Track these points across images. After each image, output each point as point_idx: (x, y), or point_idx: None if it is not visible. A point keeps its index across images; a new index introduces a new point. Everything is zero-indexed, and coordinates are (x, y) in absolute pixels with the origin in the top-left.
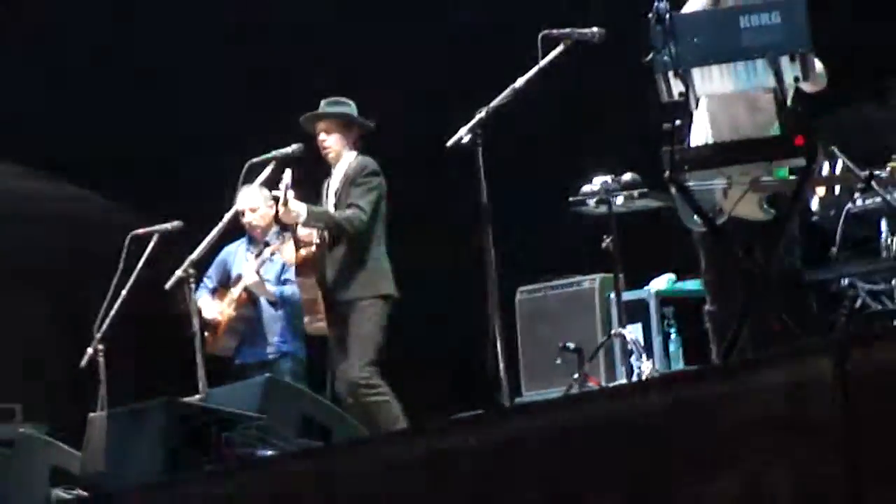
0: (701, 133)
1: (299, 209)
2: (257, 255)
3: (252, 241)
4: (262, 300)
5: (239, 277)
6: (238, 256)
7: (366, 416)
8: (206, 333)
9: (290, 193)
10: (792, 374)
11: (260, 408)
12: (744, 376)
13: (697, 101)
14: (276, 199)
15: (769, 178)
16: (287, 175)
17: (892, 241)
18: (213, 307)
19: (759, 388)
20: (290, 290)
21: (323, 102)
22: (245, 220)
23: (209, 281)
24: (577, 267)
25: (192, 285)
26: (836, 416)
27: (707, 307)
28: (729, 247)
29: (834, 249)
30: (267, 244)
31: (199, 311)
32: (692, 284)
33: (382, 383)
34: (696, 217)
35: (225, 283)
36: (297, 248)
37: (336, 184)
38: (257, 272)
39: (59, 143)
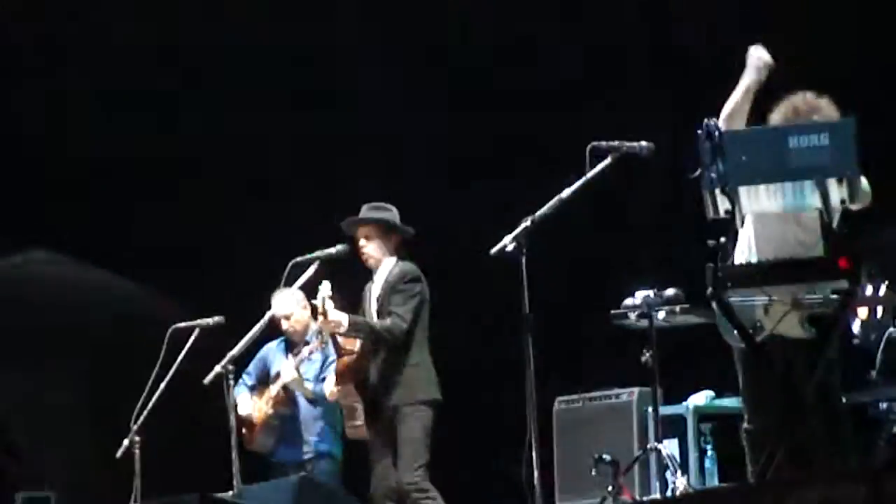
0: (745, 251)
1: (340, 319)
2: (296, 354)
3: (290, 343)
4: (301, 399)
5: (277, 375)
6: (277, 355)
7: None
8: (243, 430)
9: (330, 304)
10: (826, 497)
11: None
12: (779, 496)
13: (743, 218)
14: (314, 308)
15: (812, 296)
16: (325, 287)
17: None
18: (250, 404)
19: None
20: (330, 387)
21: (364, 207)
22: (282, 326)
23: (248, 378)
24: (616, 380)
25: (231, 381)
26: None
27: (745, 425)
28: (768, 364)
29: (874, 373)
30: (306, 343)
31: (237, 408)
32: (730, 402)
33: (432, 487)
34: (736, 333)
35: (264, 381)
36: (339, 356)
37: (377, 290)
38: (296, 369)
39: (103, 233)
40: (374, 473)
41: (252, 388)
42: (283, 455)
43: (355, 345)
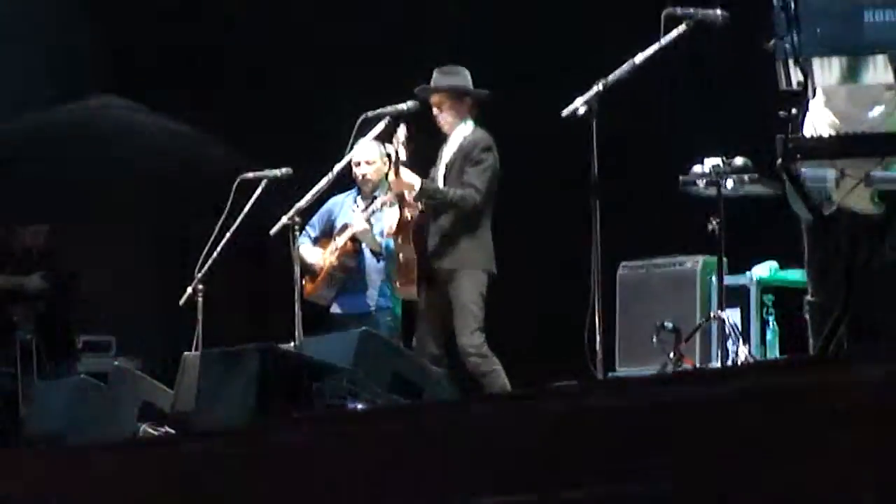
0: (816, 123)
1: (412, 181)
2: (366, 207)
3: (361, 193)
4: (366, 252)
5: (345, 227)
6: (345, 208)
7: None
8: (305, 279)
9: (403, 152)
10: (891, 373)
11: (353, 360)
12: (842, 369)
13: (815, 91)
14: (390, 157)
15: (883, 172)
16: (402, 131)
17: None
18: (315, 253)
19: (854, 381)
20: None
21: (436, 72)
22: (358, 171)
23: (312, 230)
24: (680, 246)
25: (297, 233)
26: None
27: (808, 297)
28: (835, 238)
29: None
30: (375, 198)
31: (300, 259)
32: (794, 274)
33: (491, 353)
34: (804, 205)
35: (328, 234)
36: (402, 209)
37: (449, 154)
38: (367, 221)
39: (174, 81)
40: (417, 335)
41: (315, 241)
42: (344, 306)
43: (419, 203)
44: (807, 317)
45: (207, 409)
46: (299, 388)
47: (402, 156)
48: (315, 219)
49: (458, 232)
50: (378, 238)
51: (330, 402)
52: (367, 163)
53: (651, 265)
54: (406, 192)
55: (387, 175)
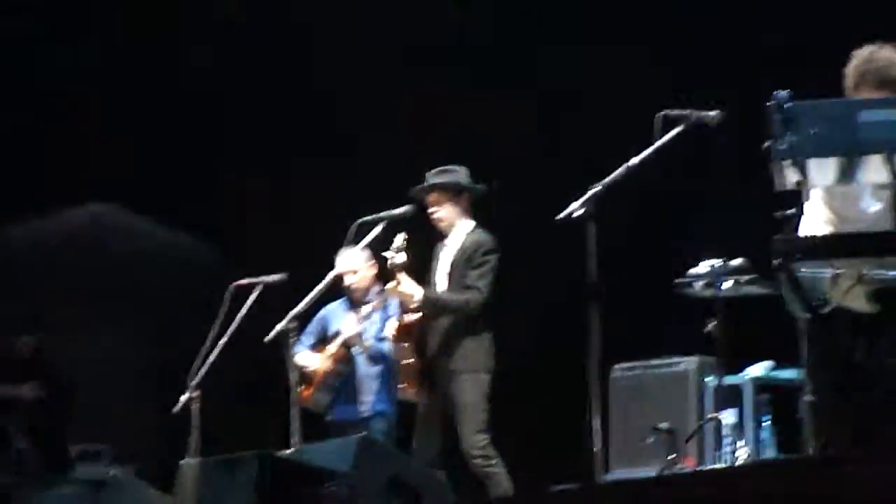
0: (812, 223)
1: (414, 292)
2: (358, 312)
3: (352, 302)
4: (360, 359)
5: (338, 333)
6: (337, 315)
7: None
8: (301, 387)
9: (402, 258)
10: (888, 474)
11: (353, 466)
12: (841, 470)
13: (811, 191)
14: (381, 267)
15: (879, 271)
16: (399, 238)
17: None
18: (311, 358)
19: (858, 480)
20: (389, 347)
21: (430, 173)
22: (346, 282)
23: (307, 338)
24: (678, 348)
25: (293, 339)
26: None
27: (805, 396)
28: (833, 338)
29: None
30: (368, 302)
31: (296, 366)
32: (789, 373)
33: (496, 454)
34: (801, 305)
35: (323, 340)
36: (403, 311)
37: (450, 255)
38: (358, 326)
39: (169, 186)
40: (417, 438)
41: (311, 347)
42: (339, 413)
43: None
44: (804, 416)
45: None
46: (298, 495)
47: (405, 280)
48: (310, 326)
49: (459, 333)
50: (371, 342)
51: None
52: (352, 272)
53: (645, 367)
54: (409, 303)
55: (381, 281)
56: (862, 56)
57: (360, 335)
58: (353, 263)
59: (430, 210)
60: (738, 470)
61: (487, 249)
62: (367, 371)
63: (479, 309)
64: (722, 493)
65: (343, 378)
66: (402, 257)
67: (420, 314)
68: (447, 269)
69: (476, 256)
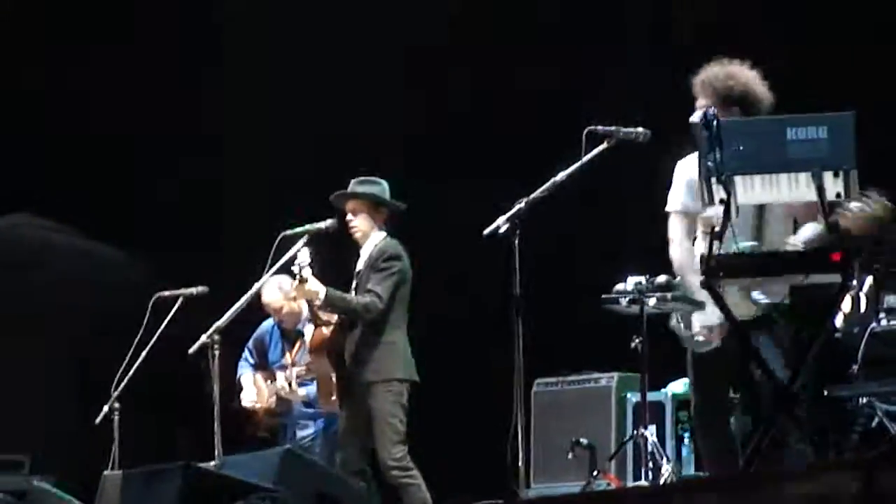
0: (738, 241)
1: (318, 290)
2: (292, 346)
3: (283, 332)
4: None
5: (274, 374)
6: (274, 339)
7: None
8: (248, 419)
9: (308, 272)
10: (817, 489)
11: (276, 479)
12: (767, 488)
13: (738, 209)
14: (294, 276)
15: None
16: (303, 254)
17: None
18: (251, 395)
19: (790, 497)
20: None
21: (353, 181)
22: (273, 316)
23: (250, 356)
24: (601, 363)
25: (216, 351)
26: None
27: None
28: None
29: (855, 367)
30: (300, 333)
31: (238, 386)
32: None
33: (413, 466)
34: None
35: (263, 365)
36: (316, 325)
37: (360, 264)
38: (288, 382)
39: (86, 199)
40: (340, 450)
41: (254, 367)
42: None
43: (332, 317)
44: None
45: None
46: None
47: (307, 274)
48: (251, 344)
49: (372, 343)
50: (301, 391)
51: None
52: (275, 310)
53: (566, 382)
54: (314, 301)
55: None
56: (712, 71)
57: (292, 391)
58: (275, 300)
59: (347, 219)
60: (665, 487)
61: (390, 255)
62: (304, 413)
63: (377, 313)
64: None
65: (284, 416)
66: (307, 271)
67: (334, 328)
68: (356, 279)
69: (378, 263)
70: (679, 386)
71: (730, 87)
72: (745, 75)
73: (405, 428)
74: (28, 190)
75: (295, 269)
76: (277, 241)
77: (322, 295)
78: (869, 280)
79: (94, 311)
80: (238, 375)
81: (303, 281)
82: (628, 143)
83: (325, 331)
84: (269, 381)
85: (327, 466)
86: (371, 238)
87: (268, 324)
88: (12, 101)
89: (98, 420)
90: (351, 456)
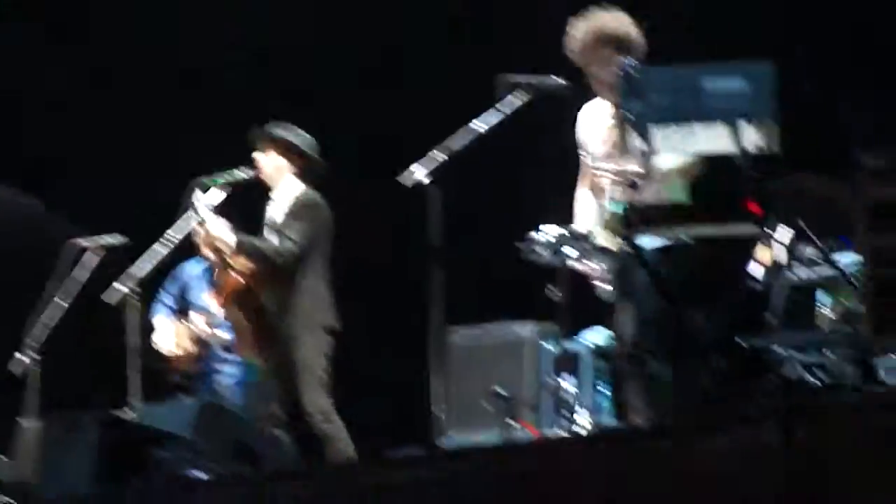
0: (655, 191)
1: (226, 238)
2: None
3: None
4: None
5: (194, 317)
6: (199, 286)
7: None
8: (167, 363)
9: (211, 215)
10: (741, 440)
11: (193, 428)
12: (698, 437)
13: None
14: (200, 223)
15: None
16: (210, 195)
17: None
18: (169, 339)
19: (710, 450)
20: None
21: (277, 126)
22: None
23: (168, 299)
24: (518, 313)
25: (137, 302)
26: (780, 484)
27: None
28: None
29: (771, 318)
30: None
31: (142, 325)
32: None
33: (337, 417)
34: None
35: (184, 310)
36: (227, 274)
37: (274, 211)
38: (208, 325)
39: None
40: (261, 398)
41: (172, 311)
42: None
43: (246, 267)
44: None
45: (48, 479)
46: (139, 457)
47: (208, 216)
48: (170, 286)
49: (291, 292)
50: (223, 334)
51: (170, 472)
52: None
53: (483, 331)
54: (224, 248)
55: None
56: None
57: (213, 333)
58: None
59: (255, 155)
60: (583, 438)
61: (308, 203)
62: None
63: (291, 258)
64: (564, 462)
65: (203, 359)
66: (210, 215)
67: (247, 279)
68: (275, 225)
69: (295, 209)
70: (598, 336)
71: (613, 29)
72: (622, 18)
73: (328, 376)
74: None
75: (199, 210)
76: (194, 187)
77: (231, 243)
78: (788, 232)
79: (10, 258)
80: (152, 316)
81: (201, 223)
82: (546, 94)
83: (236, 282)
84: (186, 324)
85: (245, 417)
86: (284, 183)
87: (192, 270)
88: None
89: (15, 369)
90: (270, 406)
